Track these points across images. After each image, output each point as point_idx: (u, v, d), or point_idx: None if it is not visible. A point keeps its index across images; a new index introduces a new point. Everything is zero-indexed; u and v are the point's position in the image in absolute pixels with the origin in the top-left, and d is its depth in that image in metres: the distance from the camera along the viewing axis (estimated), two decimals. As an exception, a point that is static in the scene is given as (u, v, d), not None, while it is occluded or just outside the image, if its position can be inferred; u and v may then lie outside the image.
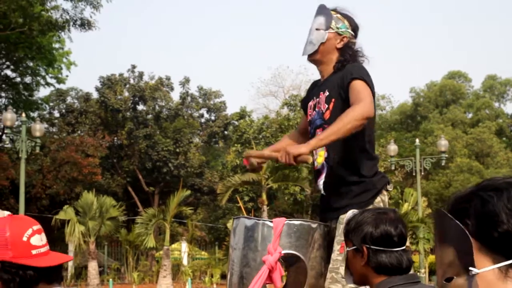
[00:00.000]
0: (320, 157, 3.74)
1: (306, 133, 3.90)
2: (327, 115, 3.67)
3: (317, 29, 3.75)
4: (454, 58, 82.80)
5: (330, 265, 3.46)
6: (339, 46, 3.73)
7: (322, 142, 3.33)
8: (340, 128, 3.28)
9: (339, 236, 3.48)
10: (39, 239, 2.23)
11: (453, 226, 1.18)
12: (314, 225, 3.51)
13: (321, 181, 3.71)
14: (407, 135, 46.11)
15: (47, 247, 2.25)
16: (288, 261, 3.38)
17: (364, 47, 3.83)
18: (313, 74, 48.10)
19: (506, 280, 1.14)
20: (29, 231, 2.20)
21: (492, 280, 1.15)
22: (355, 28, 3.81)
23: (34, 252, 2.19)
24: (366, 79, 3.52)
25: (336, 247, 3.48)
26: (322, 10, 3.79)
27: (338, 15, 3.77)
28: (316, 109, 3.77)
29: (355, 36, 3.81)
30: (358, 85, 3.48)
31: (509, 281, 1.14)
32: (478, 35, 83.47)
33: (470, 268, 1.15)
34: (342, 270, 3.41)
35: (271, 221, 3.46)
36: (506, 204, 1.17)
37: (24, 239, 2.18)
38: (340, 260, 3.43)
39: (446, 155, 26.26)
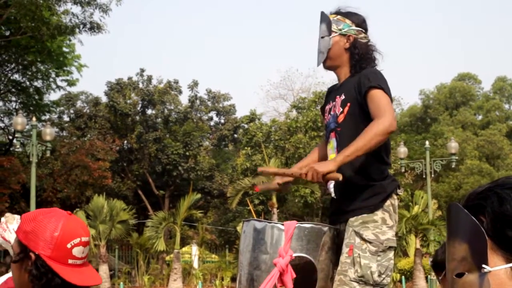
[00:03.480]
0: None
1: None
2: (340, 118, 3.67)
3: (322, 37, 3.76)
4: (464, 60, 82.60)
5: (339, 268, 3.47)
6: (347, 46, 3.73)
7: (348, 158, 3.33)
8: (365, 144, 3.31)
9: (348, 239, 3.49)
10: (81, 251, 2.21)
11: (468, 222, 1.17)
12: (324, 228, 3.52)
13: (331, 184, 3.70)
14: (417, 137, 45.98)
15: (84, 261, 2.23)
16: (295, 264, 3.39)
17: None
18: (323, 76, 48.02)
19: None
20: (76, 240, 2.18)
21: (504, 280, 1.14)
22: (360, 23, 3.78)
23: (70, 261, 2.17)
24: (384, 86, 3.51)
25: (345, 249, 3.48)
26: (322, 17, 3.80)
27: (338, 17, 3.77)
28: (332, 113, 3.77)
29: (365, 30, 3.80)
30: (377, 95, 3.48)
31: None
32: (487, 37, 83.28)
33: (483, 266, 1.14)
34: (350, 272, 3.42)
35: (282, 224, 3.46)
36: None
37: (69, 246, 2.16)
38: (349, 263, 3.43)
39: (456, 157, 26.19)
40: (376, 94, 3.49)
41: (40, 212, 2.24)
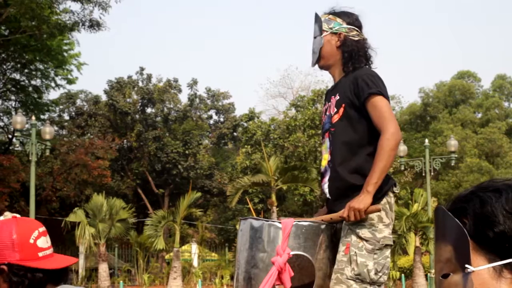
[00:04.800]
0: (324, 160, 3.75)
1: None
2: (335, 118, 3.68)
3: (314, 37, 3.81)
4: (463, 57, 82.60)
5: (335, 266, 3.47)
6: (338, 44, 3.75)
7: (377, 184, 3.41)
8: (385, 163, 3.42)
9: (345, 237, 3.50)
10: (45, 241, 2.24)
11: (452, 224, 1.21)
12: (322, 226, 3.51)
13: (325, 184, 3.71)
14: (417, 135, 45.99)
15: (52, 249, 2.27)
16: (292, 262, 3.38)
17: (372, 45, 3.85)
18: (322, 75, 48.03)
19: (500, 280, 1.17)
20: (35, 233, 2.22)
21: (486, 279, 1.17)
22: (352, 21, 3.81)
23: (40, 254, 2.21)
24: (383, 91, 3.55)
25: (342, 248, 3.49)
26: (315, 18, 3.84)
27: (329, 16, 3.81)
28: (327, 113, 3.78)
29: (358, 28, 3.81)
30: (378, 103, 3.52)
31: (503, 281, 1.17)
32: (487, 35, 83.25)
33: (466, 266, 1.18)
34: (347, 271, 3.42)
35: (279, 222, 3.46)
36: (504, 205, 1.19)
37: (31, 241, 2.20)
38: (345, 261, 3.43)
39: (456, 155, 26.18)
40: (377, 102, 3.53)
41: None
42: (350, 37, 3.75)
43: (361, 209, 3.33)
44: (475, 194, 1.24)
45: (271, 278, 3.32)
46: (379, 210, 3.40)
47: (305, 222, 3.49)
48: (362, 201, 3.35)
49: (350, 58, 3.72)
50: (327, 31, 3.76)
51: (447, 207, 1.26)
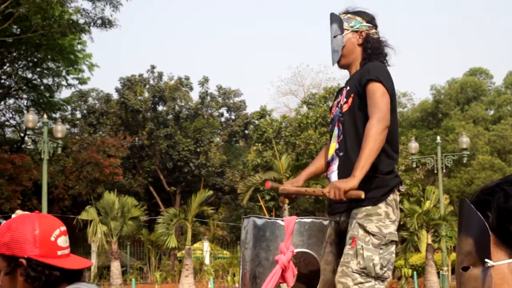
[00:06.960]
0: (332, 149, 3.78)
1: None
2: (345, 107, 3.74)
3: (334, 37, 3.83)
4: (475, 54, 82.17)
5: (341, 259, 3.49)
6: (360, 42, 3.81)
7: (365, 169, 3.38)
8: (371, 149, 3.39)
9: (352, 231, 3.51)
10: (64, 241, 2.26)
11: (474, 217, 1.19)
12: (325, 222, 3.52)
13: (332, 173, 3.73)
14: (428, 133, 45.81)
15: (69, 250, 2.29)
16: (297, 259, 3.39)
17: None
18: (333, 72, 47.95)
19: None
20: (57, 232, 2.24)
21: (506, 274, 1.16)
22: (370, 19, 3.87)
23: (59, 253, 2.22)
24: (383, 79, 3.56)
25: (348, 241, 3.51)
26: (333, 18, 3.87)
27: (348, 15, 3.85)
28: (339, 105, 3.83)
29: (375, 26, 3.87)
30: (373, 89, 3.54)
31: None
32: (499, 31, 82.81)
33: (486, 260, 1.16)
34: (352, 264, 3.44)
35: (282, 220, 3.46)
36: None
37: (52, 239, 2.22)
38: (351, 255, 3.45)
39: (468, 153, 26.09)
40: (373, 88, 3.55)
41: (11, 221, 2.28)
42: (371, 35, 3.82)
43: (341, 189, 3.32)
44: (500, 187, 1.22)
45: (274, 277, 3.32)
46: (360, 196, 3.35)
47: (308, 219, 3.50)
48: (346, 182, 3.36)
49: (371, 54, 3.78)
50: (348, 30, 3.80)
51: (471, 199, 1.24)
